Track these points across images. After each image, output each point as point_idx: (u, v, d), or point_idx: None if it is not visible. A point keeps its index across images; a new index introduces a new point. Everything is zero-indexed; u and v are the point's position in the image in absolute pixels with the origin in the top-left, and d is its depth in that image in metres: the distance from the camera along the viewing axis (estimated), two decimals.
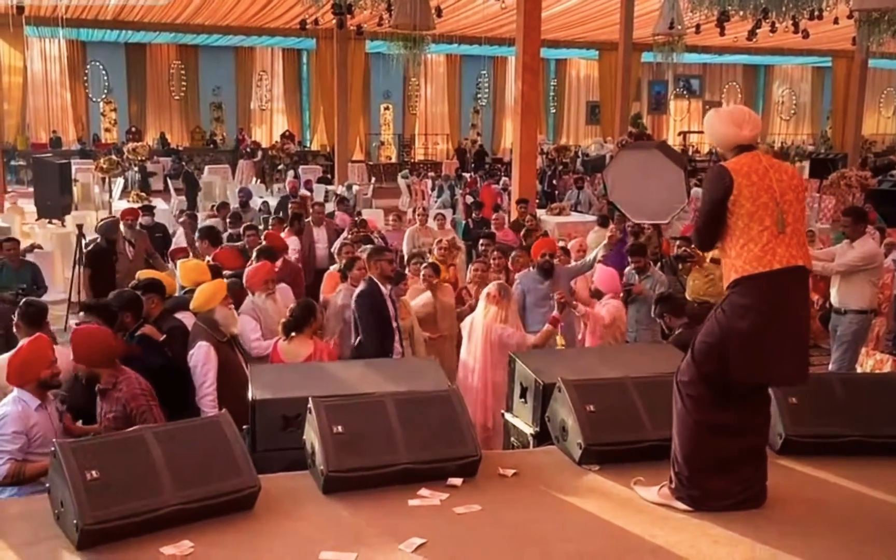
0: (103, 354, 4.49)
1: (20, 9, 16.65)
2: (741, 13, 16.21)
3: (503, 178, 20.56)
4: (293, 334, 5.65)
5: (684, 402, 3.66)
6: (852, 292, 6.92)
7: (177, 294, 6.41)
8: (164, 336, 5.42)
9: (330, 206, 13.35)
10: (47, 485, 3.51)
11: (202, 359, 5.20)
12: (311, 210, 10.91)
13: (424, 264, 7.40)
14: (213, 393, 5.17)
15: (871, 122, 35.35)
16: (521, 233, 9.94)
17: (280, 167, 24.74)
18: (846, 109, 28.40)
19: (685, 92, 36.95)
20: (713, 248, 3.83)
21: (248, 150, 26.40)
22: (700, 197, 3.82)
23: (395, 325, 6.23)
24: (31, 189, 18.97)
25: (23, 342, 4.49)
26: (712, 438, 3.62)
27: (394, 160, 31.33)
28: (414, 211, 13.43)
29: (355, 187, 19.41)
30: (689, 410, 3.64)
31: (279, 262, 7.74)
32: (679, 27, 16.66)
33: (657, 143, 6.81)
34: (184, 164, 23.27)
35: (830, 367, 7.12)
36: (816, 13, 16.82)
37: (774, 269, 3.47)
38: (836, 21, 17.96)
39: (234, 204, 14.43)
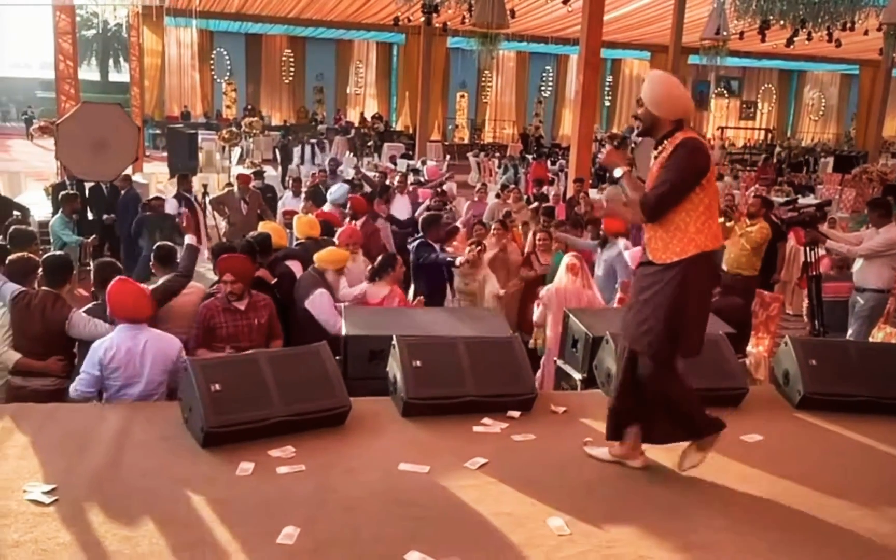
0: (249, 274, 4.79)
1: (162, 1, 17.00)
2: (781, 22, 15.63)
3: (560, 161, 20.31)
4: (376, 279, 5.67)
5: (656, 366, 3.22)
6: (872, 273, 6.65)
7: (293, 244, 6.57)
8: (276, 280, 5.51)
9: (410, 178, 13.37)
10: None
11: (326, 307, 5.17)
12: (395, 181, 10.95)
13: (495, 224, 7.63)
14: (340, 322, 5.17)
15: (891, 125, 33.74)
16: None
17: (370, 143, 24.85)
18: (869, 113, 27.25)
19: (725, 91, 35.89)
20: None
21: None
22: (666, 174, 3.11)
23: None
24: (164, 154, 19.42)
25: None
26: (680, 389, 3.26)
27: (466, 141, 31.17)
28: (484, 186, 13.34)
29: (430, 163, 19.34)
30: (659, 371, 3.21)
31: (360, 222, 7.81)
32: (724, 33, 16.09)
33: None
34: (290, 138, 23.49)
35: (848, 337, 6.88)
36: (849, 25, 16.15)
37: (720, 245, 3.19)
38: (866, 32, 17.20)
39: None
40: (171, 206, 8.94)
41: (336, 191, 8.77)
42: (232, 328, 4.58)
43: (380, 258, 5.88)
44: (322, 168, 13.68)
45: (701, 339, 3.24)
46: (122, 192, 9.45)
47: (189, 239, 5.18)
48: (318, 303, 5.20)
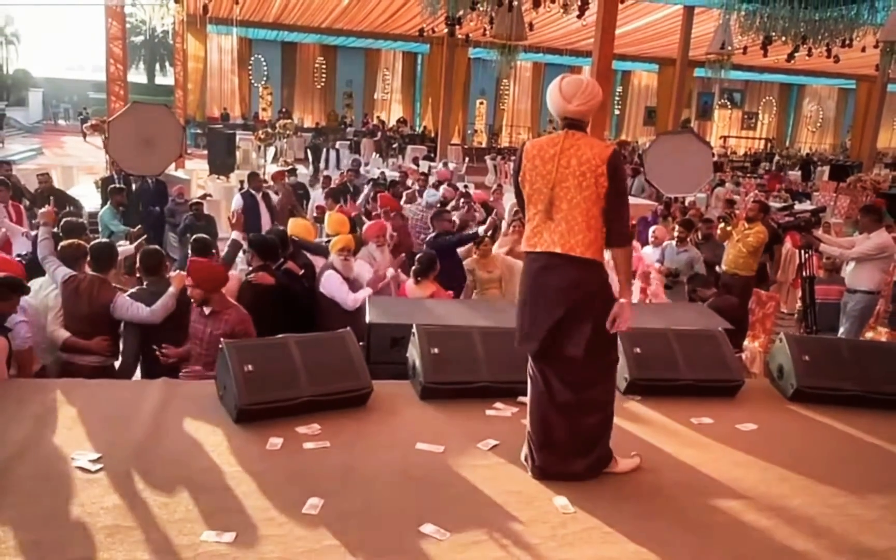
0: (214, 283, 4.35)
1: (205, 9, 17.08)
2: (783, 38, 15.42)
3: None
4: (420, 279, 5.58)
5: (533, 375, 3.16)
6: (863, 276, 6.58)
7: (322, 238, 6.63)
8: (303, 270, 5.53)
9: (432, 179, 13.38)
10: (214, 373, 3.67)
11: (335, 284, 5.23)
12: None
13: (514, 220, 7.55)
14: (353, 296, 5.20)
15: (885, 136, 33.30)
16: None
17: (395, 145, 24.84)
18: (865, 125, 26.94)
19: (728, 102, 35.57)
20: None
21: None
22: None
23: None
24: (205, 151, 19.55)
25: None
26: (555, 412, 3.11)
27: (484, 145, 31.13)
28: (499, 187, 13.30)
29: (451, 164, 19.31)
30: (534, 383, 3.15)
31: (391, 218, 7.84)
32: (729, 48, 15.90)
33: (689, 128, 6.36)
34: (321, 139, 23.55)
35: (839, 335, 6.80)
36: (848, 42, 15.90)
37: (537, 251, 2.98)
38: (863, 49, 16.94)
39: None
40: (237, 202, 9.03)
41: (430, 194, 9.04)
42: (193, 327, 4.40)
43: (422, 259, 5.70)
44: (349, 168, 13.73)
45: (525, 334, 3.06)
46: (134, 184, 9.49)
47: (235, 235, 5.22)
48: (327, 283, 5.25)
